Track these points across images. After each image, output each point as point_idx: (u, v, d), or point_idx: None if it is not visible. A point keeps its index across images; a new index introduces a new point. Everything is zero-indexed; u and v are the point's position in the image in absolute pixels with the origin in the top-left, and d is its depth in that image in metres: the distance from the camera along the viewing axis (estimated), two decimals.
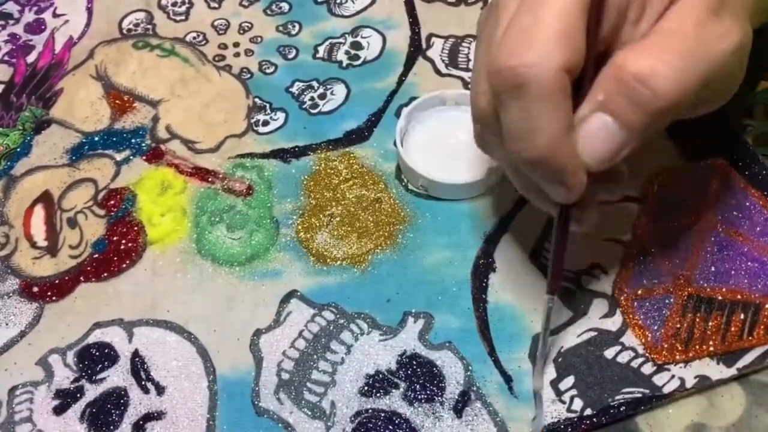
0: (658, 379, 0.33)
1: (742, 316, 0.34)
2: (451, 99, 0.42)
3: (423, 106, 0.41)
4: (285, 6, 0.50)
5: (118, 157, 0.43)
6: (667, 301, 0.35)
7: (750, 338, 0.33)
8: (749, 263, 0.35)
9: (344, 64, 0.46)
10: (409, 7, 0.49)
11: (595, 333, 0.34)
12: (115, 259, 0.39)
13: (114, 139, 0.44)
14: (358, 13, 0.49)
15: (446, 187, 0.39)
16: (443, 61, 0.46)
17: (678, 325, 0.34)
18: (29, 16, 0.51)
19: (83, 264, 0.39)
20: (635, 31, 0.27)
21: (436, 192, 0.39)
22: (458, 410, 0.33)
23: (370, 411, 0.33)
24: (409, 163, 0.39)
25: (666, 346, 0.33)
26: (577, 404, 0.32)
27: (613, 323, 0.35)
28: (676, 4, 0.26)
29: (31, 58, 0.49)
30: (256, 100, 0.45)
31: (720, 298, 0.34)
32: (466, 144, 0.40)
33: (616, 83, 0.25)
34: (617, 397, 0.32)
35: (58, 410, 0.34)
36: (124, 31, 0.49)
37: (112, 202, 0.41)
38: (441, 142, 0.41)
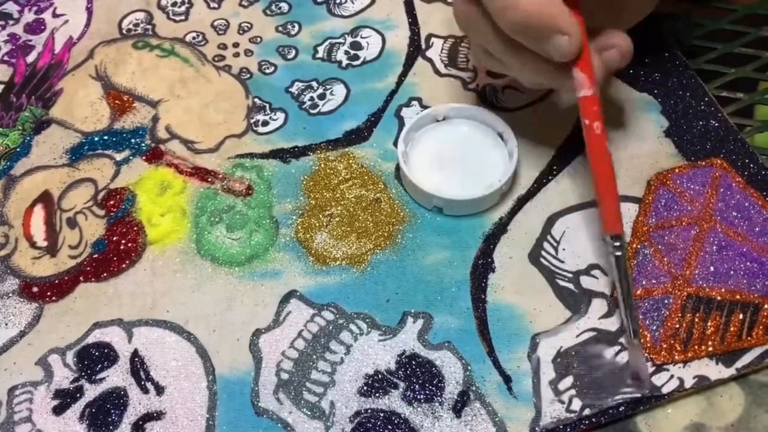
0: (657, 379, 0.33)
1: (741, 317, 0.34)
2: (441, 114, 0.41)
3: (415, 126, 0.41)
4: (284, 6, 0.50)
5: (118, 157, 0.43)
6: (666, 301, 0.35)
7: (749, 338, 0.33)
8: (748, 263, 0.35)
9: (344, 64, 0.46)
10: (408, 7, 0.49)
11: (595, 333, 0.34)
12: (115, 259, 0.39)
13: (114, 139, 0.44)
14: (357, 13, 0.49)
15: (463, 204, 0.38)
16: (443, 61, 0.46)
17: (677, 325, 0.34)
18: (29, 16, 0.51)
19: (83, 264, 0.39)
20: None
21: (452, 210, 0.38)
22: (457, 410, 0.33)
23: (369, 411, 0.33)
24: (420, 186, 0.38)
25: (665, 346, 0.33)
26: (576, 404, 0.32)
27: (613, 323, 0.35)
28: None
29: (30, 58, 0.49)
30: (256, 100, 0.45)
31: (719, 298, 0.34)
32: (469, 157, 0.40)
33: None
34: (616, 397, 0.32)
35: (58, 410, 0.34)
36: (124, 31, 0.49)
37: (111, 202, 0.41)
38: (443, 160, 0.40)
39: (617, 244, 0.30)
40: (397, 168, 0.41)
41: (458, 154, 0.40)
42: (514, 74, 0.34)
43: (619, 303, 0.32)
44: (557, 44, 0.29)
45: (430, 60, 0.46)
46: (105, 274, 0.38)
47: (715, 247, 0.36)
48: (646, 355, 0.33)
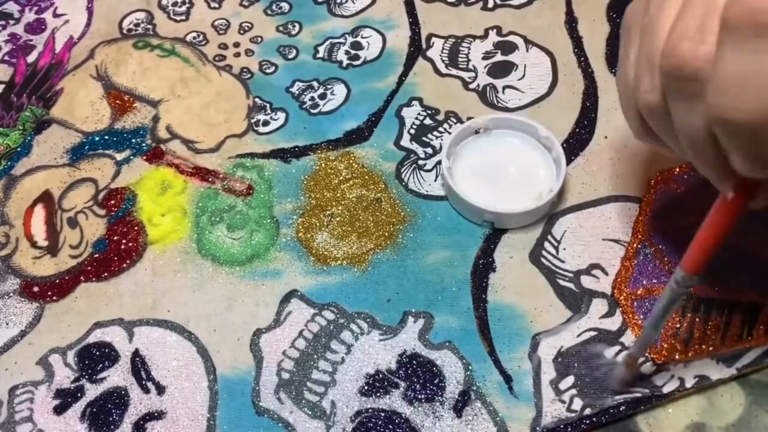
0: (658, 379, 0.33)
1: (741, 316, 0.34)
2: (480, 126, 0.40)
3: (456, 140, 0.40)
4: (285, 6, 0.50)
5: (119, 156, 0.43)
6: None
7: (749, 338, 0.33)
8: (749, 263, 0.35)
9: (344, 64, 0.46)
10: (409, 7, 0.49)
11: (595, 333, 0.34)
12: (116, 258, 0.39)
13: (114, 138, 0.44)
14: (358, 13, 0.49)
15: (516, 216, 0.37)
16: (443, 61, 0.46)
17: (678, 325, 0.34)
18: (29, 16, 0.51)
19: (83, 264, 0.39)
20: None
21: (503, 224, 0.38)
22: (458, 410, 0.33)
23: (370, 410, 0.33)
24: (470, 201, 0.37)
25: (666, 346, 0.33)
26: (577, 404, 0.32)
27: (613, 323, 0.35)
28: None
29: (31, 57, 0.49)
30: (257, 100, 0.45)
31: (720, 298, 0.35)
32: (514, 167, 0.39)
33: None
34: (617, 397, 0.32)
35: (59, 410, 0.34)
36: (125, 31, 0.49)
37: (112, 201, 0.41)
38: (488, 172, 0.39)
39: (689, 283, 0.28)
40: (398, 168, 0.41)
41: (502, 165, 0.39)
42: (672, 148, 0.29)
43: (647, 326, 0.30)
44: (755, 163, 0.24)
45: (430, 60, 0.46)
46: (106, 274, 0.38)
47: None
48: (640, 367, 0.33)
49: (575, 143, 0.41)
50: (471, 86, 0.44)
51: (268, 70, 0.47)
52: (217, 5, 0.51)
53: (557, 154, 0.38)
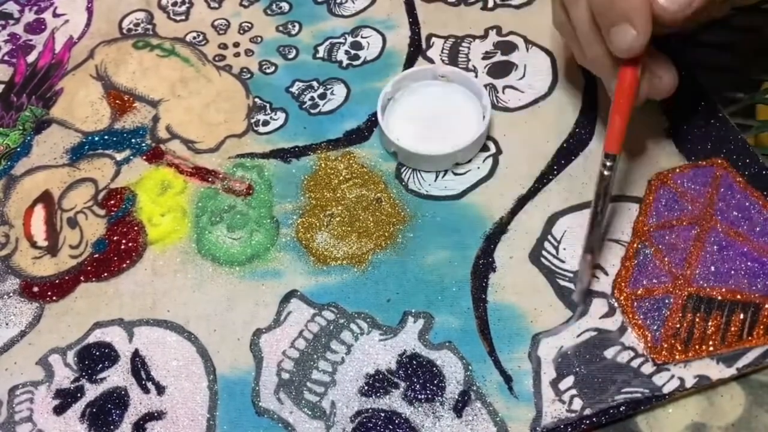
0: (658, 379, 0.33)
1: (741, 316, 0.34)
2: (441, 73, 0.43)
3: (414, 77, 0.43)
4: (285, 6, 0.50)
5: (119, 156, 0.43)
6: (666, 301, 0.35)
7: (750, 338, 0.33)
8: (749, 263, 0.35)
9: (344, 64, 0.46)
10: (409, 7, 0.49)
11: (595, 333, 0.34)
12: (116, 259, 0.39)
13: (114, 138, 0.44)
14: (358, 13, 0.49)
15: (417, 157, 0.40)
16: (443, 61, 0.46)
17: (678, 325, 0.34)
18: (29, 16, 0.51)
19: (83, 264, 0.39)
20: None
21: (407, 161, 0.41)
22: (458, 410, 0.33)
23: (370, 411, 0.33)
24: (384, 130, 0.40)
25: (666, 346, 0.33)
26: (577, 404, 0.32)
27: (613, 323, 0.35)
28: None
29: (31, 57, 0.49)
30: (256, 100, 0.45)
31: (720, 298, 0.34)
32: (447, 119, 0.42)
33: None
34: (617, 397, 0.32)
35: (59, 410, 0.34)
36: (124, 31, 0.49)
37: (112, 201, 0.41)
38: (424, 115, 0.42)
39: (609, 163, 0.33)
40: (398, 168, 0.41)
41: (439, 114, 0.42)
42: (577, 48, 0.36)
43: (589, 218, 0.35)
44: (623, 37, 0.31)
45: (430, 60, 0.46)
46: (105, 274, 0.38)
47: (715, 247, 0.36)
48: (594, 275, 0.36)
49: (575, 143, 0.41)
50: None
51: (268, 70, 0.47)
52: (217, 5, 0.51)
53: (486, 111, 0.41)
